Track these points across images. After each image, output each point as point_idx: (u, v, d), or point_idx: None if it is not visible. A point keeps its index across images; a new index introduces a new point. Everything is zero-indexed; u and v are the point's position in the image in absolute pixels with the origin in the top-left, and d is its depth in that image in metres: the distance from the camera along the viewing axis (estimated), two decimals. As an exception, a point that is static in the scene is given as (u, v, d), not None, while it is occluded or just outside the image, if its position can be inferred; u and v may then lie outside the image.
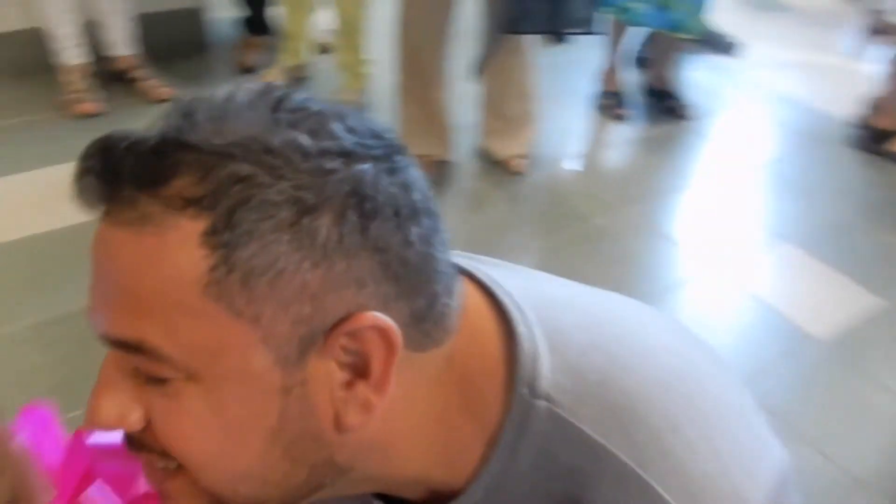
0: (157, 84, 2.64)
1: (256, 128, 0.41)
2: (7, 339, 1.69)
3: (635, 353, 0.50)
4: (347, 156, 0.42)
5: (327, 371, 0.43)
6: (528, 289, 0.52)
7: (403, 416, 0.47)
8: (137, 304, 0.40)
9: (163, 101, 2.59)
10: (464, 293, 0.50)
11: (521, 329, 0.48)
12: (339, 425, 0.44)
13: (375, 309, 0.42)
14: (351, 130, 0.43)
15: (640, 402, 0.47)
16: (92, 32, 2.56)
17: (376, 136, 0.44)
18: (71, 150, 1.91)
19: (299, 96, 0.44)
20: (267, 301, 0.40)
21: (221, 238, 0.39)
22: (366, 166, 0.42)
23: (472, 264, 0.54)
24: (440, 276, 0.46)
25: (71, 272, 1.82)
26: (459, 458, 0.49)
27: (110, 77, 2.64)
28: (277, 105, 0.42)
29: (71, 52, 2.50)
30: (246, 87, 0.43)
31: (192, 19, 2.99)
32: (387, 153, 0.44)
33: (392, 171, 0.44)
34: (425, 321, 0.45)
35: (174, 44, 2.90)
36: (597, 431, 0.46)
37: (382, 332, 0.42)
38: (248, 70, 2.87)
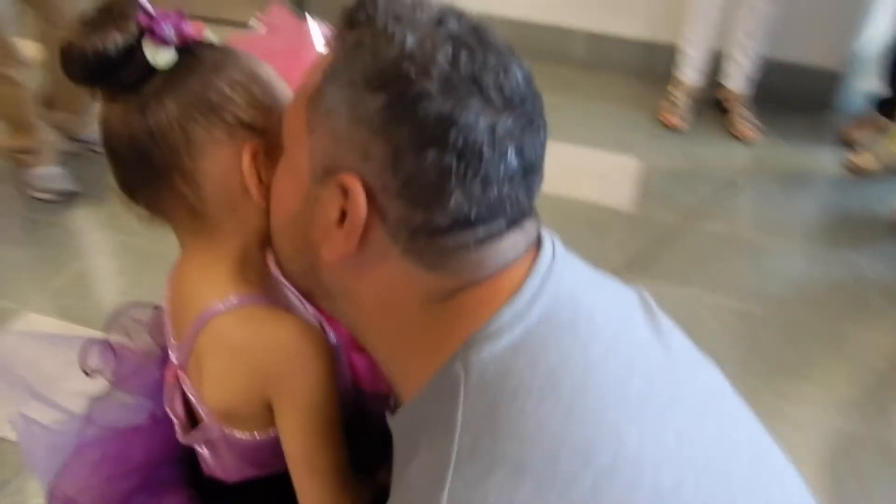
0: (747, 124, 2.70)
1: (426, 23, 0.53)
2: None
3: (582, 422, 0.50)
4: (476, 83, 0.51)
5: (329, 202, 0.53)
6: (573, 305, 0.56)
7: (379, 301, 0.56)
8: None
9: (745, 140, 2.66)
10: (514, 270, 0.55)
11: (504, 319, 0.53)
12: (318, 247, 0.55)
13: (370, 183, 0.51)
14: (517, 80, 0.53)
15: (517, 441, 0.48)
16: (715, 59, 2.75)
17: (529, 100, 0.54)
18: (657, 148, 2.06)
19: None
20: (320, 124, 0.53)
21: (328, 74, 0.54)
22: (475, 101, 0.51)
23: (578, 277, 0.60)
24: (467, 229, 0.52)
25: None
26: (409, 381, 0.57)
27: (707, 101, 2.81)
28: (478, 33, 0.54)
29: (691, 73, 2.74)
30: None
31: (822, 79, 2.92)
32: (523, 112, 0.53)
33: (512, 127, 0.52)
34: (417, 238, 0.52)
35: (789, 95, 2.89)
36: (464, 416, 0.49)
37: (352, 195, 0.51)
38: (849, 144, 2.71)
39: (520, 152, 0.53)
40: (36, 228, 2.11)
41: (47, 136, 2.20)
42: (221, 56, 0.66)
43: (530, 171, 0.55)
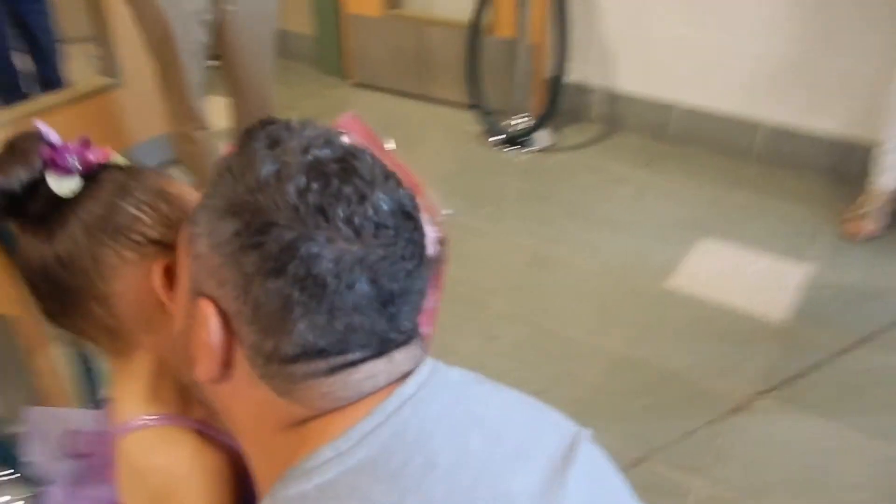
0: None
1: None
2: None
3: None
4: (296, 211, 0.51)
5: (198, 324, 0.54)
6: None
7: (249, 423, 0.57)
8: None
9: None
10: (367, 402, 0.54)
11: (323, 457, 0.52)
12: (195, 365, 0.56)
13: (225, 308, 0.52)
14: (374, 209, 0.52)
15: None
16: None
17: (391, 229, 0.52)
18: (834, 259, 1.91)
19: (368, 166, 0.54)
20: (192, 247, 0.55)
21: (202, 199, 0.57)
22: (320, 232, 0.50)
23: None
24: (316, 358, 0.53)
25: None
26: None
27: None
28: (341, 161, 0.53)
29: (886, 179, 2.43)
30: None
31: None
32: (381, 242, 0.52)
33: (363, 256, 0.50)
34: (270, 364, 0.53)
35: None
36: None
37: (207, 320, 0.54)
38: None
39: (373, 282, 0.52)
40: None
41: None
42: (126, 178, 0.68)
43: (390, 301, 0.53)
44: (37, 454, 0.84)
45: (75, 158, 0.66)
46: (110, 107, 2.73)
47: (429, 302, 0.93)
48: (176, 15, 2.08)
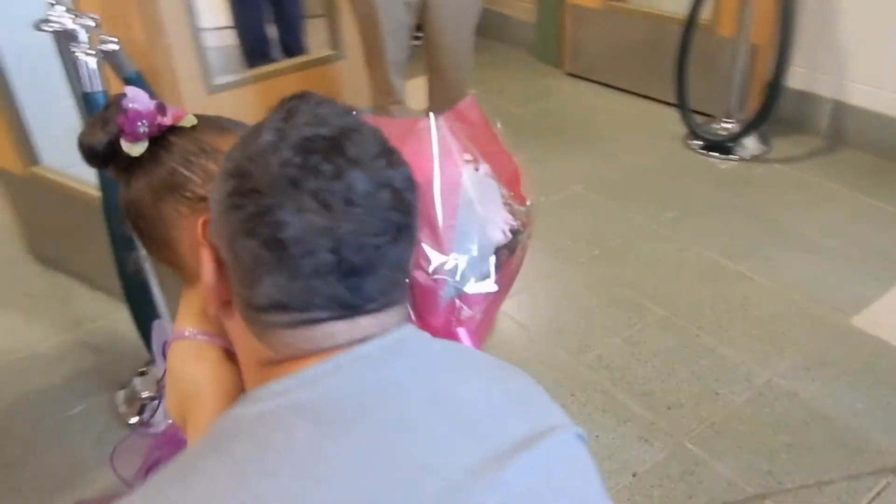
0: None
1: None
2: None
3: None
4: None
5: (203, 265, 0.65)
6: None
7: (244, 356, 0.65)
8: None
9: None
10: (324, 355, 0.59)
11: (270, 389, 0.59)
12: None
13: (220, 256, 0.61)
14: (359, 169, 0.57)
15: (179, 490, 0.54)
16: None
17: (365, 207, 0.56)
18: None
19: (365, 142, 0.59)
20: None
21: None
22: (291, 202, 0.55)
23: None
24: (280, 312, 0.59)
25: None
26: None
27: None
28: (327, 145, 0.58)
29: None
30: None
31: None
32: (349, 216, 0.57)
33: (329, 227, 0.55)
34: (248, 310, 0.61)
35: None
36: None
37: (203, 261, 0.63)
38: None
39: (335, 252, 0.56)
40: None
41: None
42: (186, 141, 0.79)
43: (353, 271, 0.57)
44: (154, 356, 1.02)
45: (145, 125, 0.78)
46: (332, 76, 2.98)
47: (488, 286, 0.95)
48: (382, -3, 2.24)
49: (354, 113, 0.64)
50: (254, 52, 3.48)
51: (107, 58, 1.44)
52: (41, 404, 1.90)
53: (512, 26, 4.03)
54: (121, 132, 0.78)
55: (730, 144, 2.92)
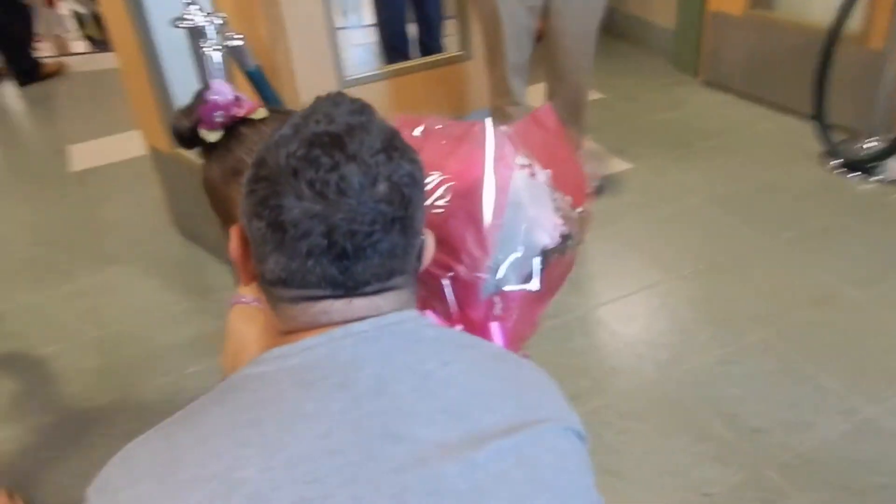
0: None
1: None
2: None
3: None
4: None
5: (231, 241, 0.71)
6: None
7: (267, 319, 0.71)
8: None
9: None
10: (321, 330, 0.65)
11: (271, 355, 0.66)
12: None
13: (245, 233, 0.68)
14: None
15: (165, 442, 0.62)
16: None
17: (355, 199, 0.62)
18: None
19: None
20: None
21: None
22: (290, 189, 0.62)
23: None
24: (282, 287, 0.65)
25: None
26: None
27: None
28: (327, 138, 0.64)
29: None
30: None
31: None
32: (341, 206, 0.62)
33: (322, 213, 0.61)
34: (263, 283, 0.68)
35: None
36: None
37: (231, 238, 0.70)
38: None
39: (327, 235, 0.62)
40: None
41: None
42: (254, 132, 0.88)
43: (344, 255, 0.63)
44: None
45: (221, 115, 0.88)
46: (459, 75, 3.07)
47: (528, 286, 0.98)
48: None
49: (368, 112, 0.68)
50: (392, 49, 3.64)
51: (231, 53, 1.59)
52: (162, 361, 2.12)
53: (651, 32, 3.95)
54: (200, 120, 0.89)
55: (871, 165, 2.73)
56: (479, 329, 0.97)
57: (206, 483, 0.57)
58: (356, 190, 0.63)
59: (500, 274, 0.96)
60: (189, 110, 0.91)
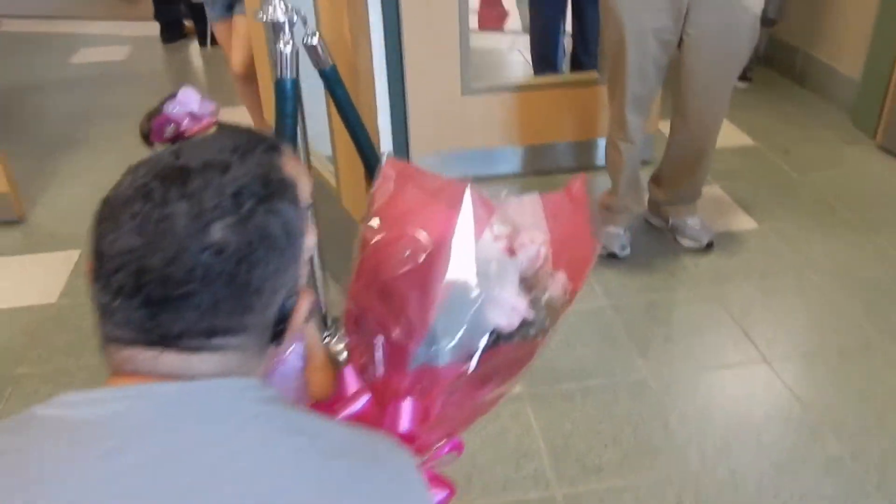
0: None
1: None
2: None
3: None
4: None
5: None
6: None
7: None
8: None
9: None
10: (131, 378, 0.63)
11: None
12: None
13: None
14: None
15: None
16: None
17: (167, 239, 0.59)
18: None
19: None
20: None
21: None
22: (110, 228, 0.61)
23: None
24: (101, 318, 0.63)
25: None
26: None
27: None
28: None
29: None
30: None
31: None
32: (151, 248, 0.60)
33: (129, 251, 0.59)
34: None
35: None
36: None
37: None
38: None
39: (138, 276, 0.59)
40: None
41: (632, 204, 2.47)
42: None
43: (150, 301, 0.59)
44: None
45: (172, 129, 0.88)
46: (584, 99, 2.95)
47: (462, 365, 0.89)
48: (634, 28, 2.14)
49: (254, 153, 0.65)
50: (542, 58, 3.55)
51: (307, 50, 1.60)
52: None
53: (833, 80, 3.56)
54: (150, 130, 0.89)
55: None
56: (394, 400, 0.90)
57: None
58: (178, 233, 0.59)
59: (433, 346, 0.89)
60: (149, 116, 0.92)
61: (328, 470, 0.62)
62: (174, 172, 0.61)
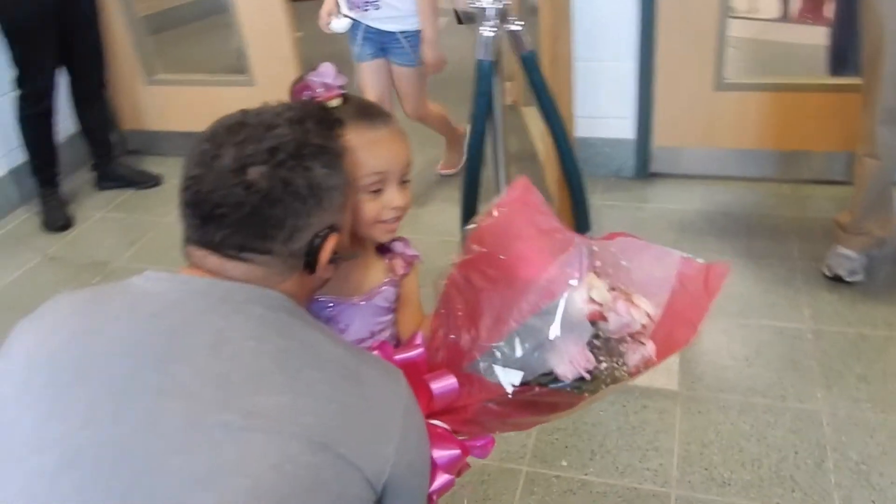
0: None
1: None
2: None
3: None
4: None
5: None
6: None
7: None
8: None
9: None
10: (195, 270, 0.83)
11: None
12: None
13: None
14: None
15: None
16: None
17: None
18: None
19: None
20: None
21: None
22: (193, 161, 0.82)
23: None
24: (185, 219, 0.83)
25: None
26: None
27: None
28: None
29: None
30: None
31: None
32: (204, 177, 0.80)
33: (193, 176, 0.80)
34: None
35: None
36: None
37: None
38: None
39: (194, 195, 0.80)
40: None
41: (874, 228, 2.22)
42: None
43: (198, 214, 0.80)
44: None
45: (308, 95, 1.02)
46: (846, 105, 2.64)
47: (502, 387, 0.92)
48: (895, 30, 1.93)
49: (304, 123, 0.82)
50: (843, 60, 3.23)
51: (509, 36, 1.76)
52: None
53: None
54: (291, 93, 1.13)
55: None
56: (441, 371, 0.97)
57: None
58: (223, 169, 0.78)
59: (489, 365, 0.93)
60: (295, 82, 1.14)
61: (302, 373, 0.74)
62: (235, 125, 0.80)
